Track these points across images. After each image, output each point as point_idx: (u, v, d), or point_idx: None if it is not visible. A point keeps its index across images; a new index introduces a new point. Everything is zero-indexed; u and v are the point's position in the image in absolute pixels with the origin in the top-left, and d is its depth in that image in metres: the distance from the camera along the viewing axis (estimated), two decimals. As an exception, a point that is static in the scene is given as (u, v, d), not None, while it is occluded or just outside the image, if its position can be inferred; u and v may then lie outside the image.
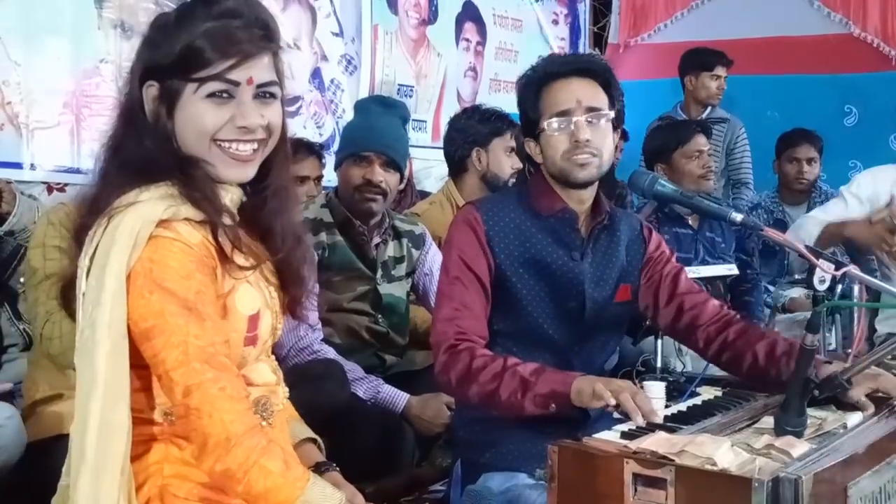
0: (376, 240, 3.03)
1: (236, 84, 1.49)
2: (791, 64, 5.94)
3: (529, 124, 2.15)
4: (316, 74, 4.76)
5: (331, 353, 2.83)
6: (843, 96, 5.87)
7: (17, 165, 3.42)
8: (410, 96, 5.27)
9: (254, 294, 1.56)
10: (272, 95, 1.54)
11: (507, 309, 2.11)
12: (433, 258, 3.16)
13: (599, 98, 2.10)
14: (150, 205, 1.44)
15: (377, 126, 3.01)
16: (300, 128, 4.51)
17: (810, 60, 5.91)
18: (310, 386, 2.63)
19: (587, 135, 2.06)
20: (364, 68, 4.99)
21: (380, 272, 3.03)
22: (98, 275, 1.41)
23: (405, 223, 3.19)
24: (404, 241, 3.13)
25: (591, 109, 2.08)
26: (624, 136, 5.10)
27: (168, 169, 1.48)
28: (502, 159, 3.62)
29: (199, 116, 1.49)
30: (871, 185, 3.32)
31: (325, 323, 2.91)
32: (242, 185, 1.58)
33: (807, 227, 3.29)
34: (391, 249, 3.08)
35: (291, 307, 1.66)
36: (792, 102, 5.84)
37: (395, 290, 3.07)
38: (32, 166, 3.48)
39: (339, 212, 2.98)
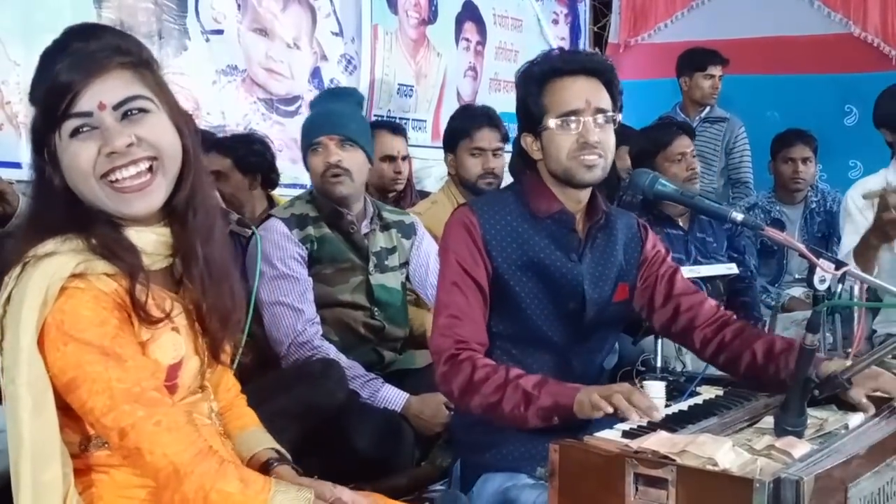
0: (364, 229, 3.02)
1: (89, 114, 1.43)
2: (791, 64, 5.94)
3: (530, 120, 2.11)
4: (315, 74, 4.76)
5: (331, 349, 2.82)
6: (843, 96, 5.87)
7: (16, 165, 3.42)
8: (410, 96, 5.27)
9: (178, 342, 1.52)
10: (142, 110, 1.46)
11: (507, 311, 2.10)
12: (427, 251, 3.15)
13: (605, 98, 2.08)
14: (63, 258, 1.40)
15: (325, 111, 3.04)
16: (299, 128, 4.50)
17: (810, 60, 5.92)
18: (308, 385, 2.63)
19: (596, 136, 2.04)
20: (364, 68, 4.99)
21: (373, 262, 3.01)
22: (13, 329, 1.39)
23: (393, 213, 3.18)
24: (393, 231, 3.11)
25: (599, 110, 2.06)
26: None
27: (67, 225, 1.44)
28: (466, 162, 3.71)
29: (72, 159, 1.43)
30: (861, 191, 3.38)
31: (320, 320, 2.89)
32: (169, 223, 1.52)
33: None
34: (382, 240, 3.06)
35: (211, 350, 1.60)
36: (792, 102, 5.84)
37: (388, 281, 3.04)
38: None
39: (323, 205, 2.97)
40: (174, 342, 1.51)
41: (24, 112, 3.43)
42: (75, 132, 1.43)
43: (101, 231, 1.45)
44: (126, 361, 1.40)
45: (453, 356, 1.98)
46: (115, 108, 1.44)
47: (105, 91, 1.43)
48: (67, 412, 1.43)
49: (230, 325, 1.61)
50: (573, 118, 2.05)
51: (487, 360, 1.99)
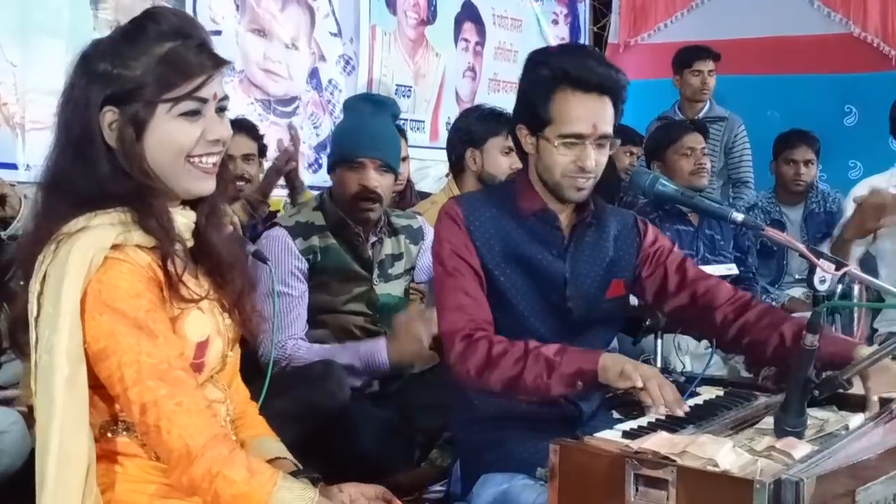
0: (372, 239, 3.00)
1: (205, 101, 1.53)
2: (791, 64, 5.94)
3: (530, 116, 2.09)
4: (314, 75, 4.76)
5: (302, 347, 2.79)
6: (843, 96, 5.87)
7: (13, 166, 3.42)
8: (408, 96, 5.27)
9: (204, 321, 1.57)
10: (226, 110, 1.59)
11: (495, 304, 2.10)
12: None
13: (610, 121, 2.07)
14: (101, 230, 1.45)
15: (369, 128, 2.96)
16: (297, 128, 4.50)
17: (810, 60, 5.92)
18: (309, 386, 2.63)
19: (593, 162, 2.04)
20: (362, 68, 4.99)
21: (376, 272, 2.99)
22: (53, 301, 1.41)
23: (402, 218, 3.15)
24: (401, 237, 3.09)
25: (602, 136, 2.05)
26: (637, 142, 5.14)
27: (122, 197, 1.49)
28: (498, 159, 3.62)
29: (172, 135, 1.51)
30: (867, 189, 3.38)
31: (320, 324, 2.88)
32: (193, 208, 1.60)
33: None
34: (388, 247, 3.04)
35: (243, 329, 1.67)
36: (792, 102, 5.84)
37: (392, 290, 3.03)
38: (28, 167, 3.47)
39: (332, 214, 2.93)
40: (200, 320, 1.56)
41: (20, 113, 3.43)
42: (186, 113, 1.51)
43: (157, 203, 1.51)
44: (157, 338, 1.44)
45: (468, 336, 2.00)
46: (219, 102, 1.56)
47: (217, 85, 1.55)
48: (97, 390, 1.46)
49: (246, 309, 1.67)
50: (576, 141, 2.04)
51: (501, 337, 2.00)
